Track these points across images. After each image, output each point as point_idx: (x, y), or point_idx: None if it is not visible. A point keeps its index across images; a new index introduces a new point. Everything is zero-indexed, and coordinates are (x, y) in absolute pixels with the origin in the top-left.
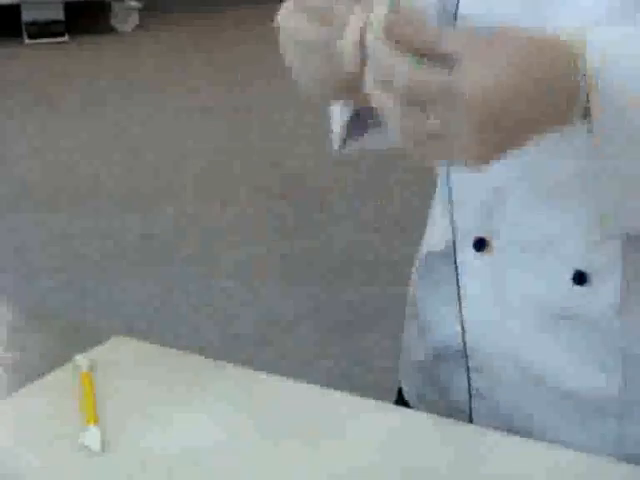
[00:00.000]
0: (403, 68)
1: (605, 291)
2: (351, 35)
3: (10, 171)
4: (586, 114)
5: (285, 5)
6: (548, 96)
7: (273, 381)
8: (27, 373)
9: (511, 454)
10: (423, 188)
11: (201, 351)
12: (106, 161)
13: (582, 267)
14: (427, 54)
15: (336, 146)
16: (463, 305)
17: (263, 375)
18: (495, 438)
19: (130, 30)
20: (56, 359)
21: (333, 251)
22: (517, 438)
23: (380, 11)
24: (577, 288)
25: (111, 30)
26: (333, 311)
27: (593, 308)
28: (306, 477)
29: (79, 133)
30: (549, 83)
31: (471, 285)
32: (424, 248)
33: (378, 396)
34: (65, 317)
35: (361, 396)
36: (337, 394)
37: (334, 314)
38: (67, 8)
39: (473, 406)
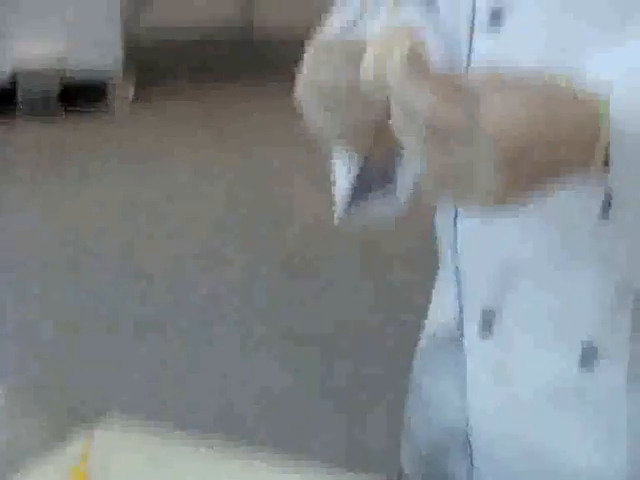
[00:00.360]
0: (425, 103)
1: (612, 373)
2: (373, 63)
3: (9, 240)
4: (606, 161)
5: (301, 78)
6: (568, 142)
7: (269, 459)
8: (22, 452)
9: None
10: (423, 263)
11: (198, 426)
12: (105, 233)
13: (590, 347)
14: (448, 91)
15: (339, 216)
16: (468, 390)
17: (258, 452)
18: None
19: (128, 100)
20: (54, 440)
21: (332, 324)
22: None
23: (403, 46)
24: (584, 370)
25: (108, 102)
26: (331, 386)
27: (600, 390)
28: None
29: (79, 206)
30: (569, 130)
31: (476, 370)
32: (428, 331)
33: (376, 471)
34: (60, 393)
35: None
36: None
37: (332, 389)
38: (63, 84)
39: None
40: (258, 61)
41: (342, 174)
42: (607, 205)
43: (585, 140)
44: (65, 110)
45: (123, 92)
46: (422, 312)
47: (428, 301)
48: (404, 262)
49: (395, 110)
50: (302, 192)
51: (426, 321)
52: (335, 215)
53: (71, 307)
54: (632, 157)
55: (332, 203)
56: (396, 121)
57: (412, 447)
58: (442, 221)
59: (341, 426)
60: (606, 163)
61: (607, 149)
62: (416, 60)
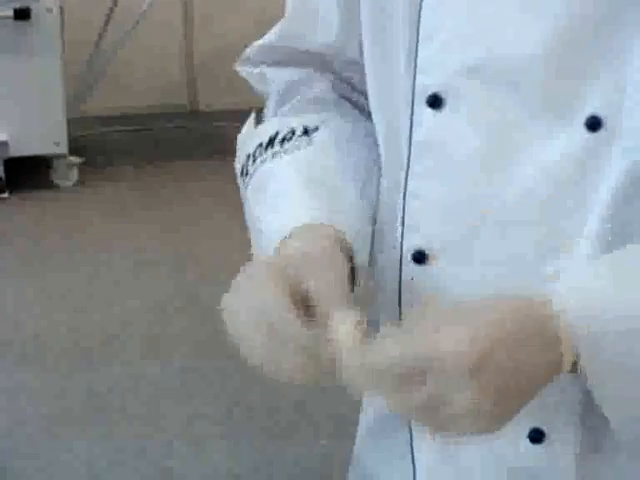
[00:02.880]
0: (377, 364)
1: (562, 448)
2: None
3: None
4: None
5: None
6: (534, 361)
7: None
8: None
9: None
10: None
11: None
12: (50, 318)
13: (539, 425)
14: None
15: None
16: (417, 473)
17: None
18: None
19: (71, 185)
20: None
21: (279, 406)
22: None
23: (349, 325)
24: (533, 446)
25: (52, 185)
26: (280, 467)
27: (551, 465)
28: None
29: (23, 291)
30: (529, 349)
31: (425, 452)
32: (372, 411)
33: None
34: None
35: None
36: None
37: (281, 470)
38: (6, 163)
39: None
40: (206, 144)
41: None
42: None
43: (550, 358)
44: (10, 191)
45: (67, 175)
46: None
47: None
48: None
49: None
50: None
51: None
52: None
53: (16, 394)
54: (602, 357)
55: None
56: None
57: None
58: None
59: None
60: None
61: (574, 355)
62: (361, 334)
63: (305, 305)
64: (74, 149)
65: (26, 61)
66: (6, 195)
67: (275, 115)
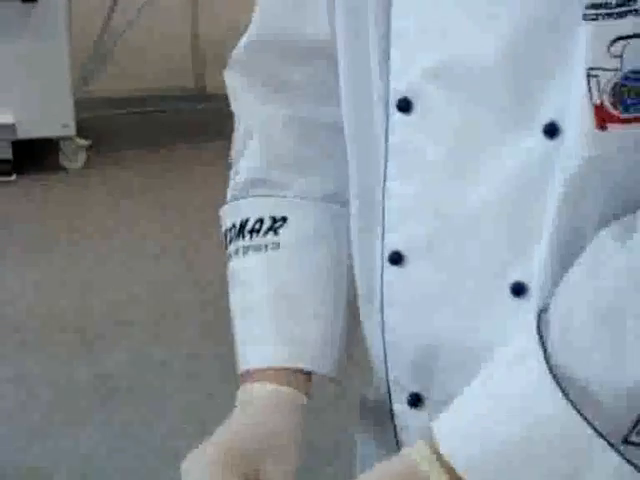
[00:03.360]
0: None
1: None
2: None
3: None
4: None
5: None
6: None
7: None
8: None
9: None
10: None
11: None
12: (56, 300)
13: None
14: None
15: None
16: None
17: None
18: None
19: (78, 167)
20: None
21: None
22: None
23: None
24: None
25: (59, 168)
26: None
27: None
28: None
29: (27, 276)
30: None
31: (407, 437)
32: (359, 392)
33: None
34: (13, 465)
35: None
36: None
37: None
38: (14, 146)
39: None
40: (213, 127)
41: None
42: None
43: None
44: (17, 174)
45: (74, 158)
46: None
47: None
48: None
49: None
50: None
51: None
52: None
53: (22, 377)
54: None
55: None
56: None
57: None
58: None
59: None
60: None
61: None
62: None
63: None
64: (81, 131)
65: (33, 43)
66: (13, 178)
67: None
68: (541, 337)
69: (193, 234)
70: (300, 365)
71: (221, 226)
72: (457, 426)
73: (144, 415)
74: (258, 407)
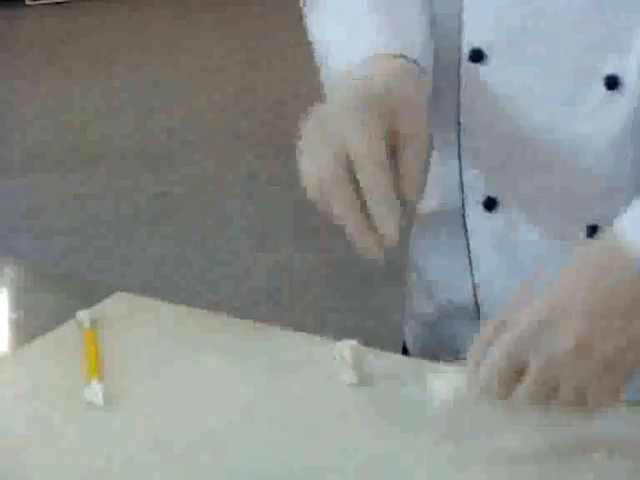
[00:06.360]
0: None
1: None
2: None
3: (22, 132)
4: None
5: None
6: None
7: (279, 334)
8: (33, 331)
9: None
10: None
11: (215, 307)
12: (117, 121)
13: (594, 222)
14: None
15: None
16: (474, 265)
17: (268, 328)
18: None
19: None
20: (63, 317)
21: None
22: None
23: None
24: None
25: None
26: (346, 265)
27: None
28: (308, 424)
29: (89, 93)
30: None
31: (481, 245)
32: (426, 207)
33: (392, 349)
34: (79, 277)
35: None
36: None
37: (347, 268)
38: None
39: None
40: None
41: None
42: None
43: None
44: None
45: None
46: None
47: None
48: None
49: None
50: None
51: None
52: None
53: (85, 196)
54: None
55: None
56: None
57: (415, 321)
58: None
59: (356, 303)
60: None
61: None
62: None
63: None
64: None
65: None
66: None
67: None
68: None
69: (253, 53)
70: (415, 56)
71: None
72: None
73: (207, 230)
74: (387, 69)
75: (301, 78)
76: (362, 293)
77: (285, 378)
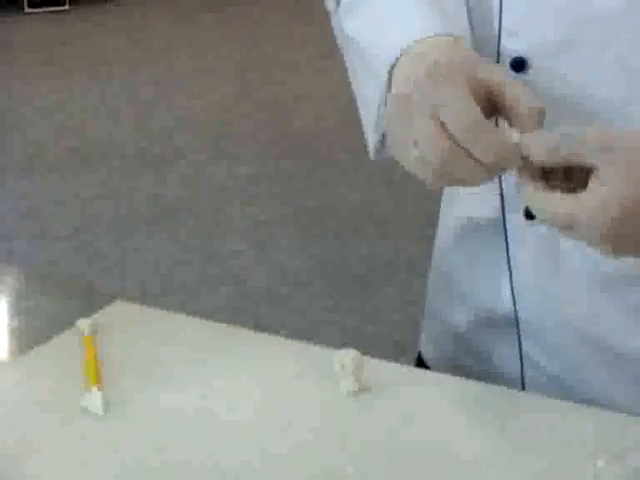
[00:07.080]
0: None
1: None
2: None
3: (22, 134)
4: None
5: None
6: None
7: (278, 342)
8: (33, 337)
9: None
10: None
11: (215, 308)
12: (117, 122)
13: None
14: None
15: (371, 155)
16: (514, 274)
17: (267, 336)
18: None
19: None
20: (63, 324)
21: (344, 207)
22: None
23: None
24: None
25: None
26: (345, 267)
27: None
28: (309, 435)
29: (89, 94)
30: None
31: (521, 252)
32: (465, 216)
33: (391, 351)
34: (77, 279)
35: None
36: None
37: (346, 270)
38: None
39: (525, 374)
40: None
41: (370, 128)
42: None
43: None
44: (69, 1)
45: None
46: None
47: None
48: None
49: None
50: (310, 80)
51: (456, 207)
52: (369, 151)
53: (84, 197)
54: None
55: (343, 79)
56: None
57: (440, 327)
58: None
59: (354, 305)
60: None
61: None
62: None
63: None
64: None
65: None
66: (66, 7)
67: None
68: None
69: (250, 52)
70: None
71: None
72: None
73: (206, 231)
74: (448, 41)
75: (302, 79)
76: (361, 294)
77: (285, 386)
